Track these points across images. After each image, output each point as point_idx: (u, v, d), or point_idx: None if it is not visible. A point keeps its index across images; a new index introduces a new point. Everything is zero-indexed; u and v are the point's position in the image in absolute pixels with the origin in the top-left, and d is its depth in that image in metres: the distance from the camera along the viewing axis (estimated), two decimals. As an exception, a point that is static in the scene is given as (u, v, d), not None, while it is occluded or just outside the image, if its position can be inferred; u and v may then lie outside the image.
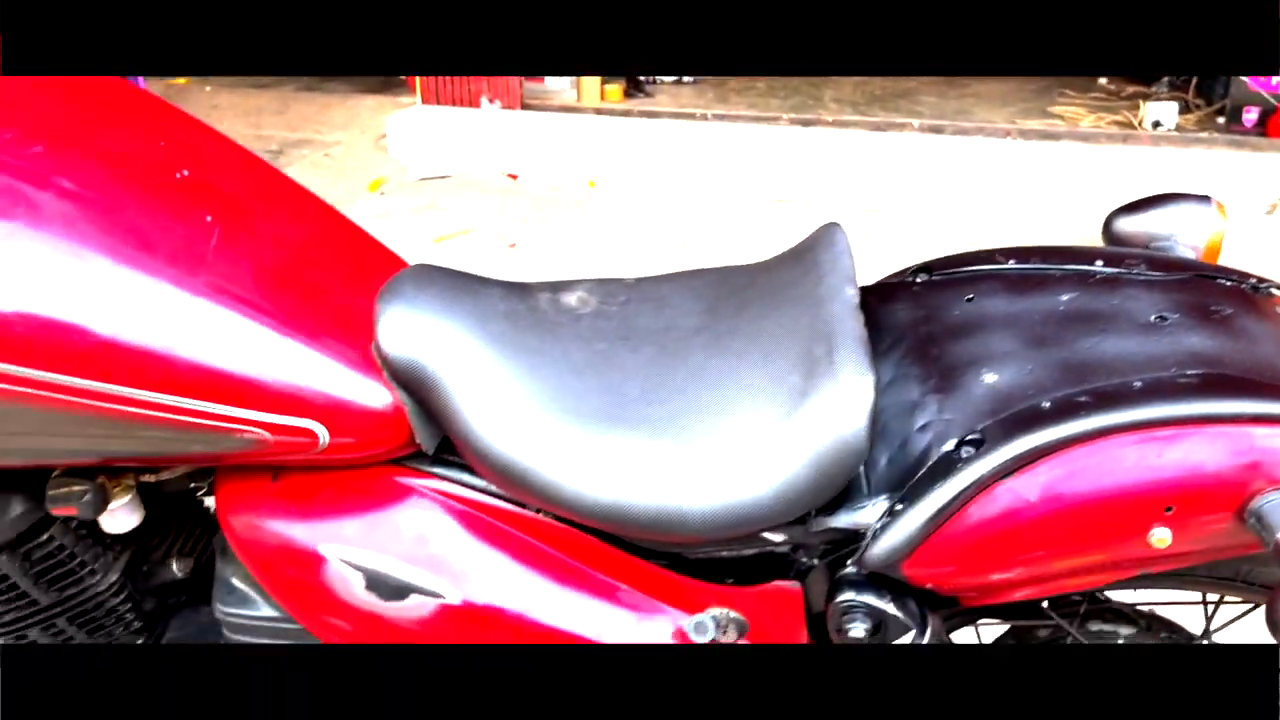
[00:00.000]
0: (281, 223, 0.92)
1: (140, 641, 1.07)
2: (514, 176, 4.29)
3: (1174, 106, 4.27)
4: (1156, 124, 4.19)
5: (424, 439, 0.88)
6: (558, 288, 0.98)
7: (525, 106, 4.71)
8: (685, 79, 5.43)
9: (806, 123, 4.46)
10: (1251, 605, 1.02)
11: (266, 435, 0.82)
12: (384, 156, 4.57)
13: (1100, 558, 0.79)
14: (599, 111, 4.71)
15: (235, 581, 0.94)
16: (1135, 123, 4.33)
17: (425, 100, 4.73)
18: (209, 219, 0.86)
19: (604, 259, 3.47)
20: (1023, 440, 0.77)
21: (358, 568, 0.87)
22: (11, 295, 0.74)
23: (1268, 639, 0.78)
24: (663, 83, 5.38)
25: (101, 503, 0.91)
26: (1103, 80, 5.22)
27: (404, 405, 0.86)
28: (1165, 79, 4.87)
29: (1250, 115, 3.97)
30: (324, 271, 0.91)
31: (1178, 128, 4.22)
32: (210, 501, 1.04)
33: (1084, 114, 4.54)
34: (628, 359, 0.90)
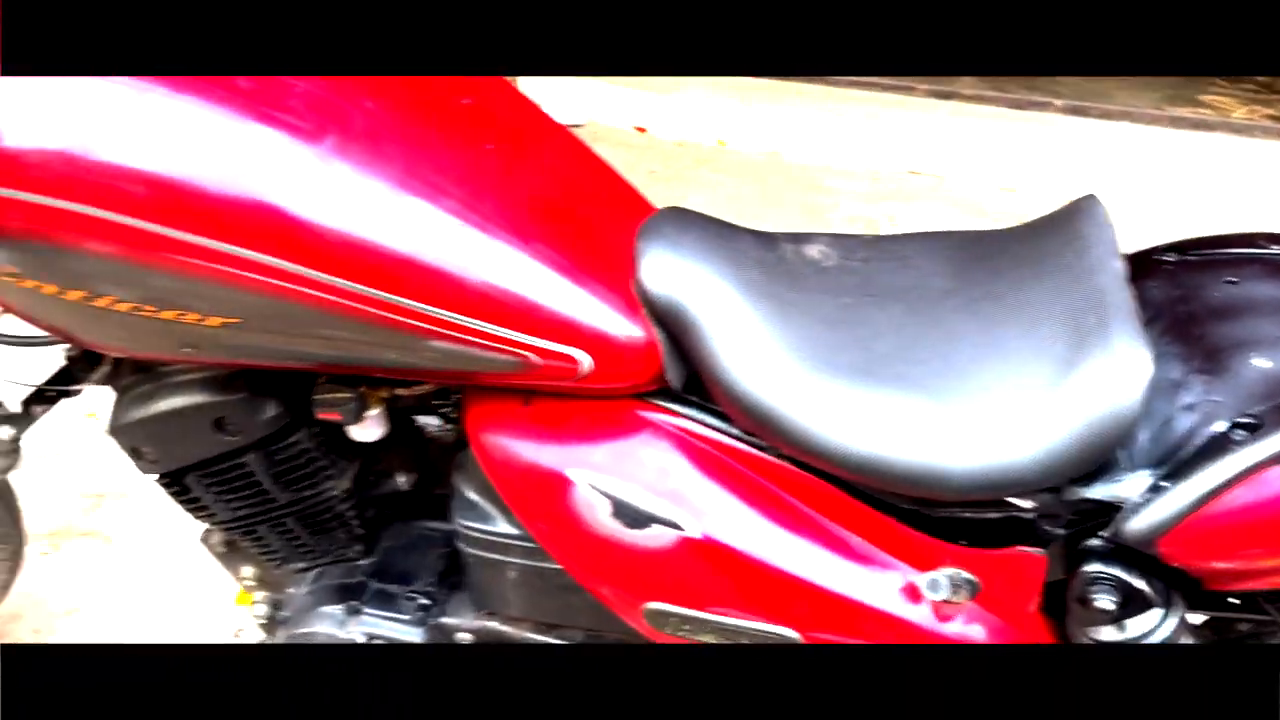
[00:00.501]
0: (551, 157, 0.95)
1: (358, 548, 1.13)
2: (642, 130, 4.29)
3: (1337, 102, 4.06)
4: (1317, 120, 3.99)
5: (674, 375, 0.90)
6: (798, 239, 0.99)
7: (656, 60, 4.68)
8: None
9: (944, 95, 4.36)
10: None
11: (536, 359, 0.85)
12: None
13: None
14: (729, 70, 4.68)
15: (475, 497, 0.98)
16: (1294, 117, 4.14)
17: (558, 47, 4.74)
18: (489, 147, 0.89)
19: (734, 216, 3.47)
20: (1298, 427, 0.76)
21: (605, 494, 0.90)
22: (319, 206, 0.78)
23: None
24: (792, 44, 5.30)
25: (361, 410, 0.95)
26: (1256, 71, 4.99)
27: (659, 341, 0.88)
28: (1326, 74, 4.63)
29: None
30: (588, 207, 0.94)
31: (1339, 124, 4.02)
32: (428, 421, 1.08)
33: (1236, 105, 4.35)
34: (876, 315, 0.90)
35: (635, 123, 4.33)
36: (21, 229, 0.76)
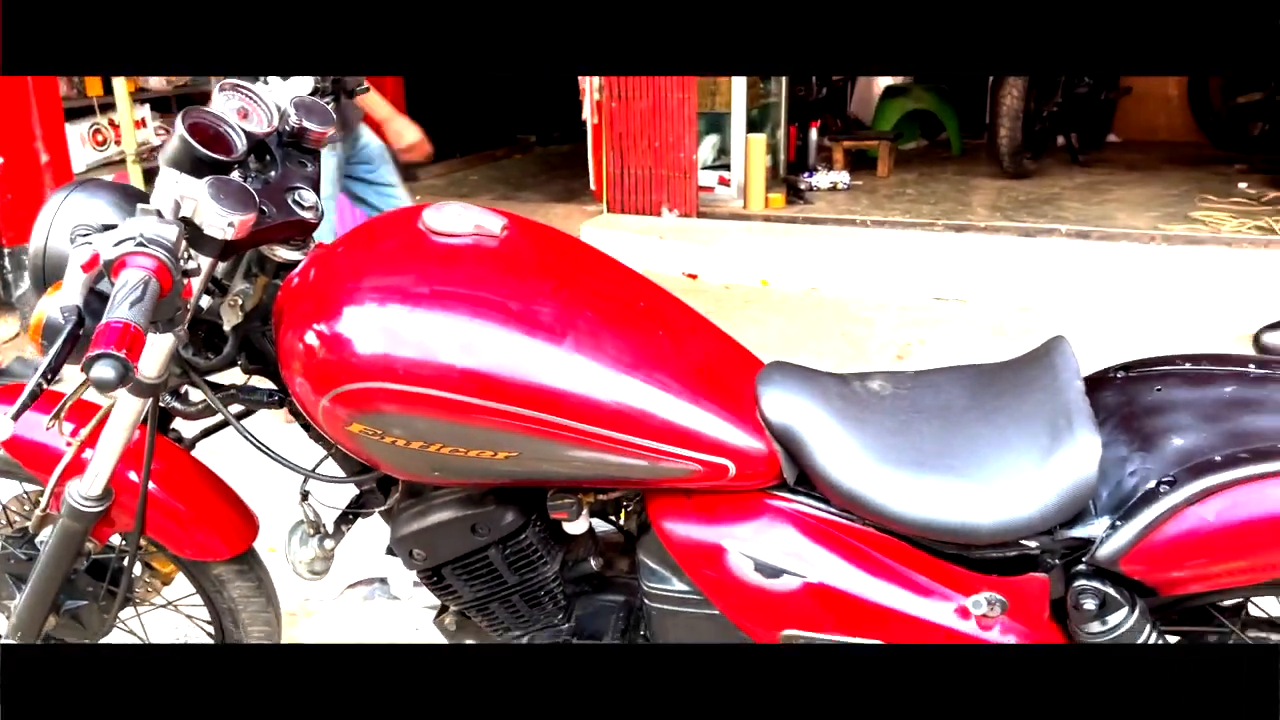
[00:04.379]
0: (694, 333, 1.44)
1: (561, 617, 1.56)
2: (693, 276, 4.85)
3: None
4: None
5: (789, 474, 1.36)
6: (863, 377, 1.46)
7: (700, 214, 5.28)
8: (840, 185, 5.92)
9: (959, 228, 4.89)
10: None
11: (699, 468, 1.31)
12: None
13: (1254, 561, 1.21)
14: (766, 219, 5.25)
15: (656, 566, 1.42)
16: (1277, 228, 4.60)
17: (611, 209, 5.36)
18: (660, 333, 1.38)
19: (781, 350, 3.95)
20: (1202, 480, 1.19)
21: (748, 556, 1.34)
22: (567, 379, 1.26)
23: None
24: (818, 189, 5.89)
25: (580, 510, 1.41)
26: (1243, 185, 5.48)
27: (777, 452, 1.34)
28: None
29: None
30: (721, 364, 1.41)
31: (1318, 233, 4.46)
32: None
33: (1226, 219, 4.83)
34: (922, 427, 1.36)
35: (686, 269, 4.88)
36: (394, 405, 1.24)
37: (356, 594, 2.61)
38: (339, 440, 1.32)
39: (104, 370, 0.97)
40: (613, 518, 1.57)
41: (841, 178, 5.94)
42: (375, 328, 1.25)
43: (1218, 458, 1.21)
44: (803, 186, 5.81)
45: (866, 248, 4.73)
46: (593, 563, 1.57)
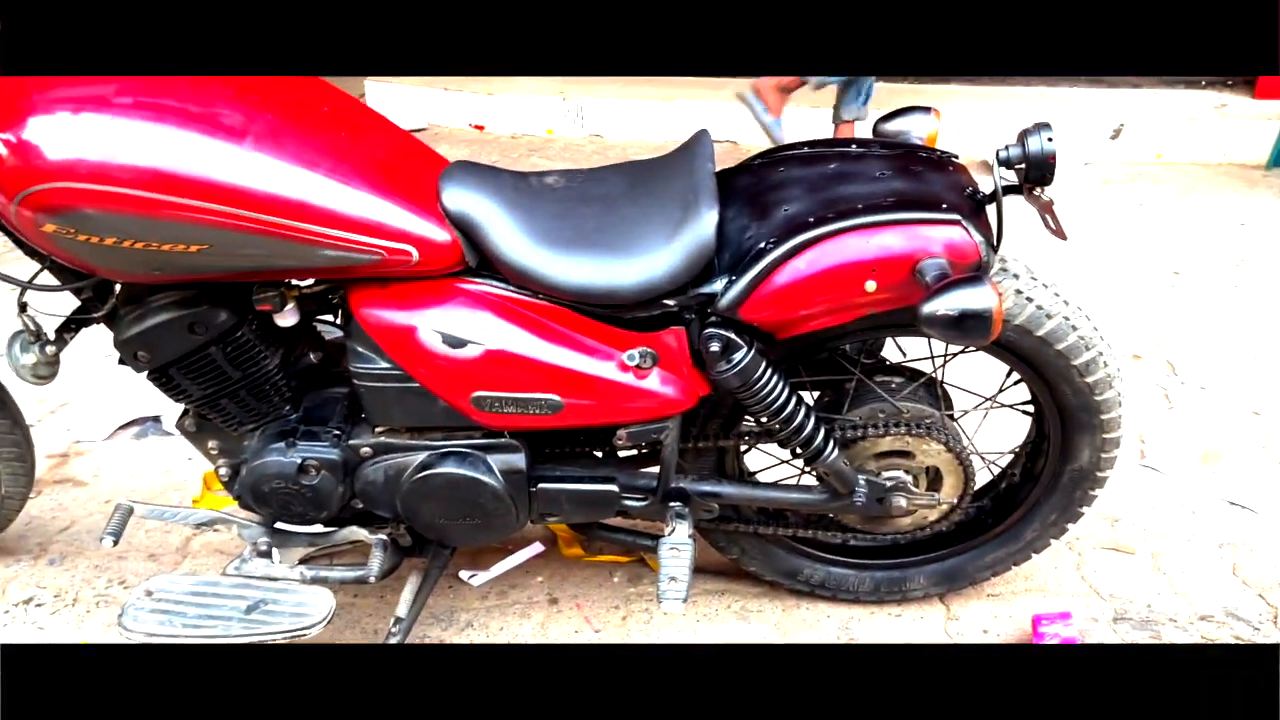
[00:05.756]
0: (381, 136, 1.58)
1: (288, 409, 1.72)
2: (480, 127, 4.90)
3: None
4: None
5: (470, 259, 1.54)
6: (541, 175, 1.65)
7: (487, 66, 5.26)
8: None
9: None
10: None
11: (383, 254, 1.48)
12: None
13: (844, 300, 1.48)
14: (553, 69, 5.28)
15: (361, 349, 1.59)
16: None
17: (398, 63, 5.28)
18: (343, 134, 1.51)
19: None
20: (798, 237, 1.45)
21: (437, 331, 1.53)
22: (248, 176, 1.39)
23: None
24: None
25: (284, 302, 1.56)
26: None
27: (458, 239, 1.52)
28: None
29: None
30: (407, 162, 1.57)
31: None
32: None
33: None
34: (585, 211, 1.57)
35: (473, 121, 4.93)
36: (81, 204, 1.35)
37: (128, 434, 2.71)
38: (36, 242, 1.42)
39: None
40: (330, 317, 1.73)
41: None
42: (58, 131, 1.34)
43: (811, 219, 1.47)
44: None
45: (648, 95, 4.88)
46: (312, 356, 1.73)
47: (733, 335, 1.52)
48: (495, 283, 1.57)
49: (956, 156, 1.61)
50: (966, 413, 1.82)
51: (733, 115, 4.69)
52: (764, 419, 1.61)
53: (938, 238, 1.44)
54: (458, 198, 1.53)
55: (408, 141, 1.64)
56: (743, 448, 1.83)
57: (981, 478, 1.87)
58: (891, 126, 1.71)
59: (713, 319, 1.52)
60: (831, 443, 1.64)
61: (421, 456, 1.68)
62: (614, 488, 1.71)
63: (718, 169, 1.58)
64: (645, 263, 1.48)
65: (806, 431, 1.62)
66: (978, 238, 1.45)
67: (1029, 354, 1.63)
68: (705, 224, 1.47)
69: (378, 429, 1.69)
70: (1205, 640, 1.87)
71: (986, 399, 1.81)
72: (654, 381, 1.57)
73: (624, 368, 1.56)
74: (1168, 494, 2.31)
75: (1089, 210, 3.77)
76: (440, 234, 1.51)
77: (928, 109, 1.71)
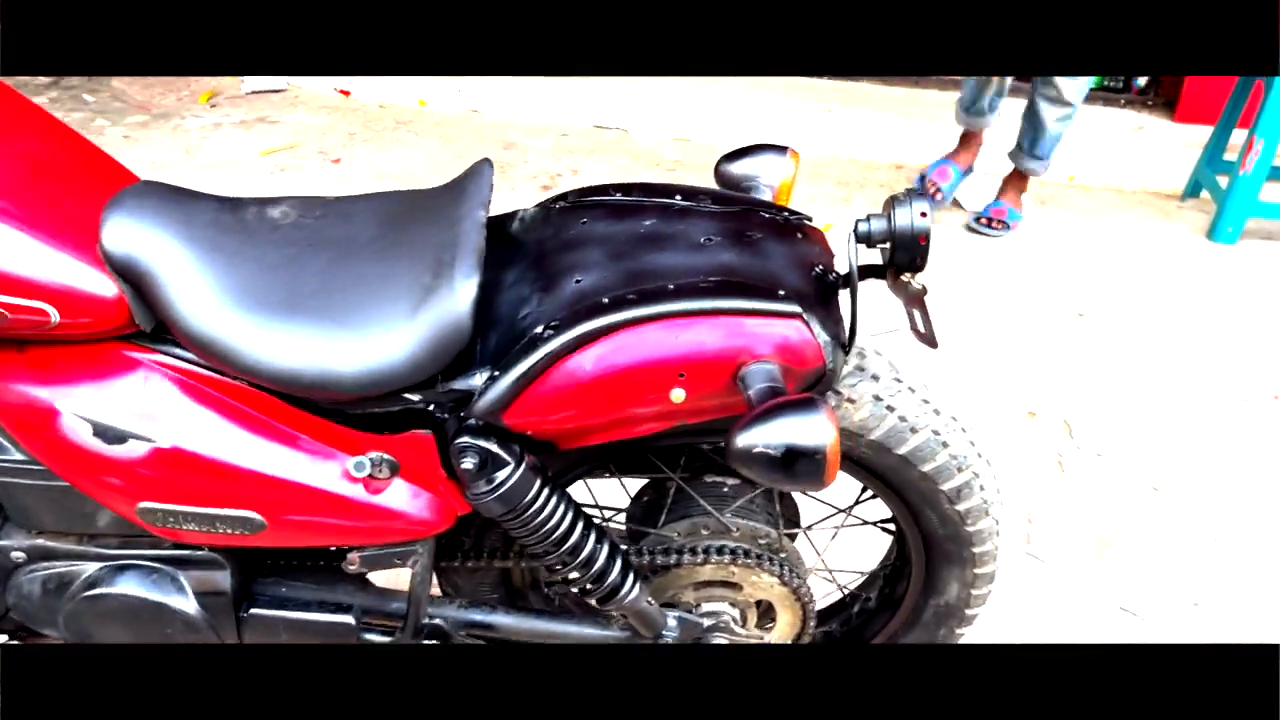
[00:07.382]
0: (28, 141, 1.13)
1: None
2: (345, 93, 4.39)
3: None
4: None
5: (141, 320, 1.12)
6: (264, 203, 1.22)
7: (361, 23, 4.74)
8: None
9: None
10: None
11: (6, 313, 1.05)
12: (216, 67, 4.58)
13: (641, 410, 1.10)
14: (434, 31, 4.79)
15: (-9, 434, 1.16)
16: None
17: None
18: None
19: (424, 175, 3.65)
20: (583, 326, 1.06)
21: (84, 418, 1.11)
22: None
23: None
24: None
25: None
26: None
27: (125, 293, 1.10)
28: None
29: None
30: (60, 183, 1.13)
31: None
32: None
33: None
34: (310, 262, 1.15)
35: (338, 85, 4.42)
36: None
37: None
38: None
39: None
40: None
41: None
42: None
43: (605, 300, 1.08)
44: None
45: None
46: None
47: (494, 448, 1.12)
48: (179, 353, 1.15)
49: (810, 219, 1.24)
50: (813, 526, 1.46)
51: (622, 95, 4.27)
52: (539, 551, 1.22)
53: (769, 335, 1.07)
54: (125, 235, 1.10)
55: (78, 153, 1.20)
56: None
57: (833, 596, 1.53)
58: (735, 169, 1.33)
59: (469, 423, 1.13)
60: (630, 578, 1.27)
61: (91, 569, 1.25)
62: (350, 619, 1.31)
63: (517, 209, 1.18)
64: (377, 343, 1.08)
65: (597, 566, 1.24)
66: (822, 337, 1.08)
67: (887, 474, 1.28)
68: (459, 298, 1.07)
69: (33, 529, 1.26)
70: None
71: (840, 510, 1.45)
72: (393, 497, 1.17)
73: (351, 478, 1.16)
74: (1052, 589, 2.02)
75: (992, 237, 3.48)
76: (96, 285, 1.08)
77: (783, 148, 1.33)
